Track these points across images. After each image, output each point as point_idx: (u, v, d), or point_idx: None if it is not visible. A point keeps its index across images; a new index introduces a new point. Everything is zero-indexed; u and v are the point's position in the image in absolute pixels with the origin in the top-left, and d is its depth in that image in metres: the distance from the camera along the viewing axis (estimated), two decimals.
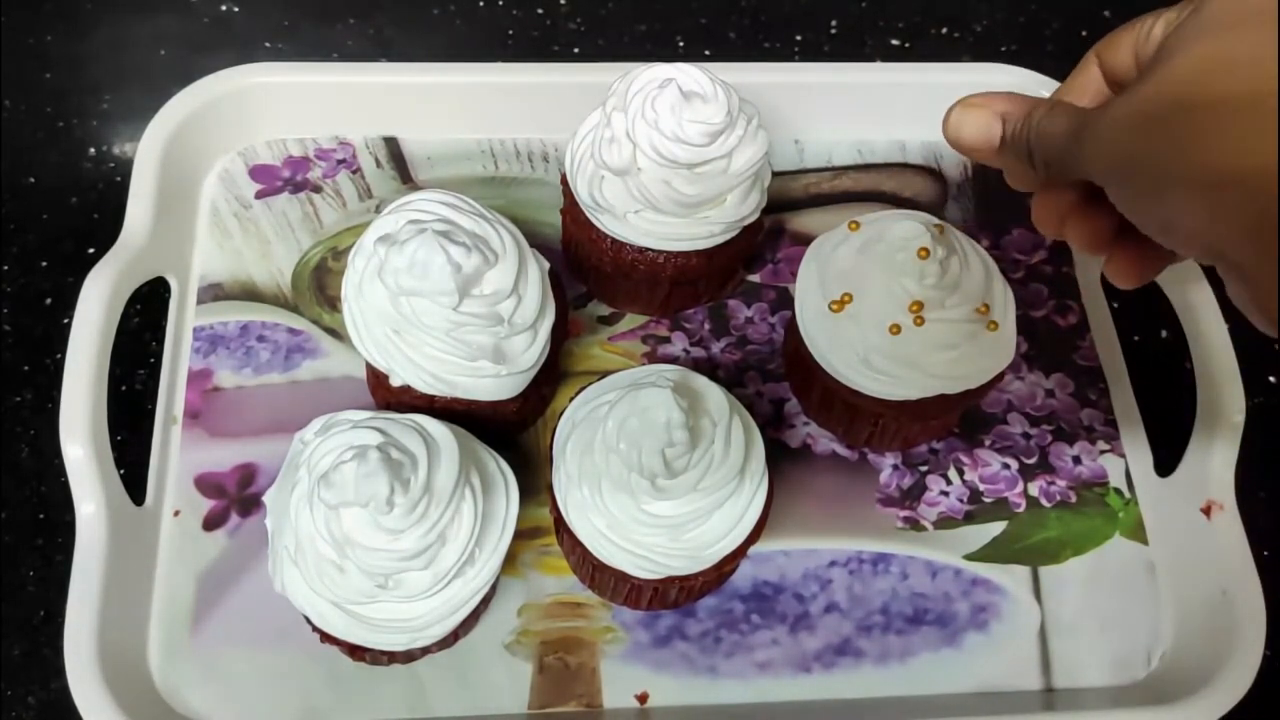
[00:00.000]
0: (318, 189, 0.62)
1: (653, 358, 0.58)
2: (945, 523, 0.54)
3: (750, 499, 0.46)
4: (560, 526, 0.48)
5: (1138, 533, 0.55)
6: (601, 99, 0.51)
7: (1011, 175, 0.41)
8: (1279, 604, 0.50)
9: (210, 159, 0.62)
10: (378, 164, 0.63)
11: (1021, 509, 0.55)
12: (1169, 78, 0.33)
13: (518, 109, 0.62)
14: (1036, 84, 0.63)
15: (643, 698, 0.50)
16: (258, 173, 0.62)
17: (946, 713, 0.49)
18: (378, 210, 0.60)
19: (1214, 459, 0.52)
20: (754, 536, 0.47)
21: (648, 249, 0.53)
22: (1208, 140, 0.31)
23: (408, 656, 0.49)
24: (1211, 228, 0.31)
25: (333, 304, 0.58)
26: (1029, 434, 0.57)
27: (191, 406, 0.55)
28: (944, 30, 0.73)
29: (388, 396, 0.50)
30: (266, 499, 0.46)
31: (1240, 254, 0.31)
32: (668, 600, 0.50)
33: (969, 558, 0.53)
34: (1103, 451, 0.56)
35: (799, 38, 0.72)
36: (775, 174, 0.58)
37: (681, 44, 0.71)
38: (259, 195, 0.61)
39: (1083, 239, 0.40)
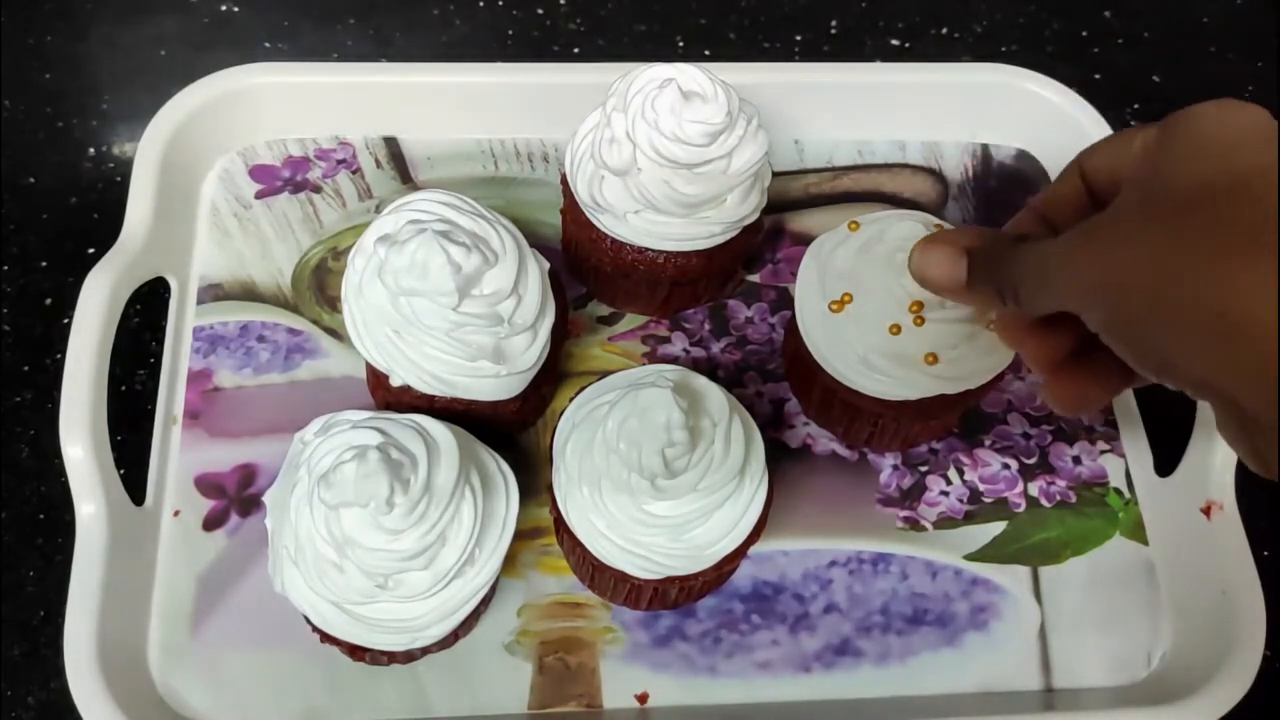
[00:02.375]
0: (318, 189, 0.62)
1: (653, 358, 0.58)
2: (945, 523, 0.54)
3: (750, 499, 0.46)
4: (560, 526, 0.48)
5: (1138, 533, 0.55)
6: (601, 99, 0.51)
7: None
8: (1279, 604, 0.50)
9: (210, 159, 0.62)
10: (378, 164, 0.63)
11: (1021, 509, 0.55)
12: (1160, 202, 0.31)
13: (518, 109, 0.62)
14: (1036, 84, 0.63)
15: (643, 698, 0.50)
16: (258, 173, 0.62)
17: (946, 713, 0.49)
18: (378, 210, 0.60)
19: (1214, 459, 0.52)
20: (754, 536, 0.47)
21: (648, 249, 0.53)
22: (1214, 275, 0.29)
23: (408, 656, 0.49)
24: (1216, 368, 0.29)
25: (333, 304, 0.58)
26: (1029, 434, 0.57)
27: (191, 406, 0.55)
28: (944, 30, 0.73)
29: (388, 396, 0.50)
30: (266, 499, 0.46)
31: (1248, 398, 0.29)
32: (668, 600, 0.50)
33: (969, 558, 0.53)
34: (1103, 451, 0.56)
35: (799, 38, 0.72)
36: (775, 174, 0.58)
37: (681, 44, 0.71)
38: (259, 195, 0.61)
39: (1036, 360, 0.39)
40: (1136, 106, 0.70)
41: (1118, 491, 0.56)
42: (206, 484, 0.53)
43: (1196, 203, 0.30)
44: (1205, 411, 0.53)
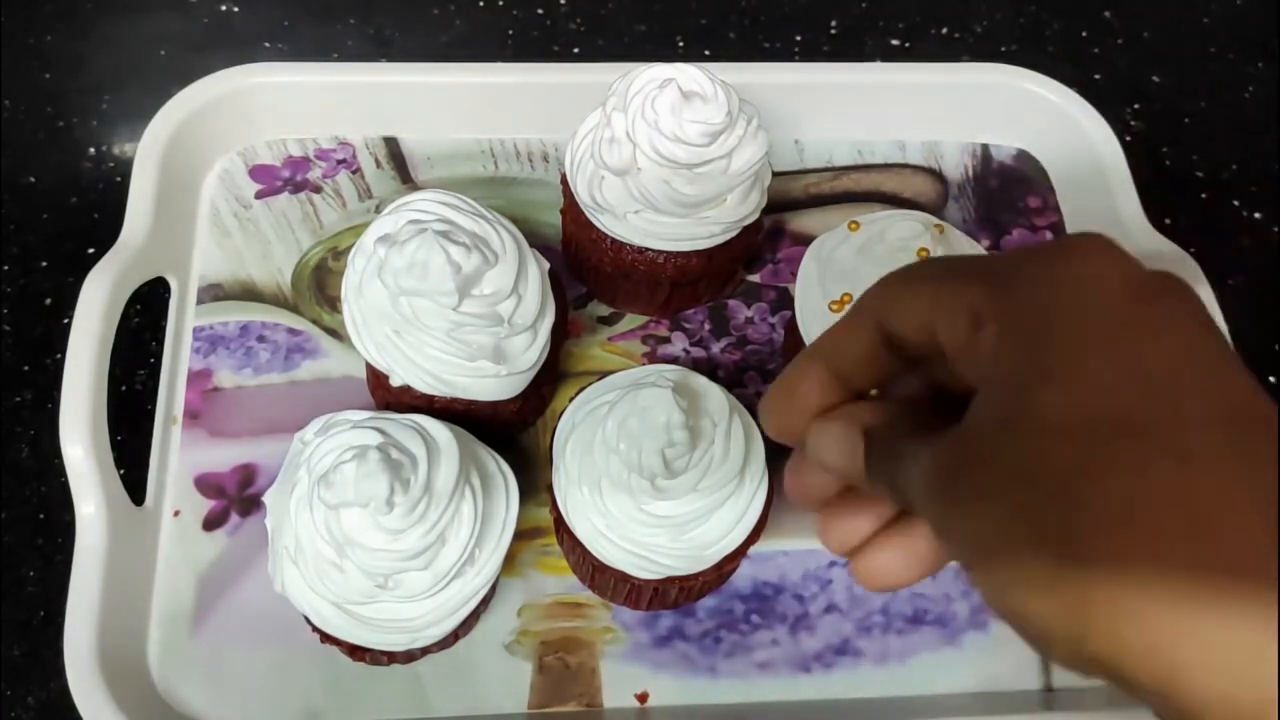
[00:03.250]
0: (318, 189, 0.62)
1: (653, 358, 0.58)
2: None
3: (750, 499, 0.46)
4: (560, 526, 0.48)
5: None
6: (601, 99, 0.51)
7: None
8: None
9: (210, 159, 0.62)
10: (378, 164, 0.63)
11: None
12: (1032, 455, 0.23)
13: (518, 109, 0.62)
14: (1036, 84, 0.63)
15: (643, 698, 0.50)
16: (258, 173, 0.62)
17: (946, 713, 0.49)
18: (378, 210, 0.60)
19: None
20: (754, 536, 0.47)
21: (648, 249, 0.53)
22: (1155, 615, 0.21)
23: (408, 656, 0.49)
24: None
25: (333, 304, 0.58)
26: None
27: (191, 406, 0.55)
28: (944, 30, 0.73)
29: (388, 396, 0.50)
30: (266, 499, 0.46)
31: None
32: (668, 600, 0.50)
33: None
34: None
35: (799, 38, 0.72)
36: (775, 174, 0.58)
37: (681, 44, 0.71)
38: (259, 195, 0.61)
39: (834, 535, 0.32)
40: (1136, 106, 0.70)
41: None
42: (206, 484, 0.53)
43: (1086, 471, 0.22)
44: None
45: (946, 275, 0.27)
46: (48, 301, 0.59)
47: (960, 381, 0.27)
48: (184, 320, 0.57)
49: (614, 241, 0.54)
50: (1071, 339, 0.24)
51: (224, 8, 0.71)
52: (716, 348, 0.58)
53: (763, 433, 0.47)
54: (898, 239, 0.49)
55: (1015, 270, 0.26)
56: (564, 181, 0.55)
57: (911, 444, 0.27)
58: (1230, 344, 0.25)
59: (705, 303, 0.59)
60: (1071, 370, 0.23)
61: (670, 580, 0.47)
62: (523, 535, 0.51)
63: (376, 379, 0.51)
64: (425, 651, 0.49)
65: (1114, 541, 0.21)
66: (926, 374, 0.30)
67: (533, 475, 0.53)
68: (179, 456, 0.54)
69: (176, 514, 0.52)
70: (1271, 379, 0.61)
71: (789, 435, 0.31)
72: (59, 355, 0.54)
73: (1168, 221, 0.64)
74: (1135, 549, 0.21)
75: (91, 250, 0.60)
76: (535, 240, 0.51)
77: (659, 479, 0.43)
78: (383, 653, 0.46)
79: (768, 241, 0.61)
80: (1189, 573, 0.21)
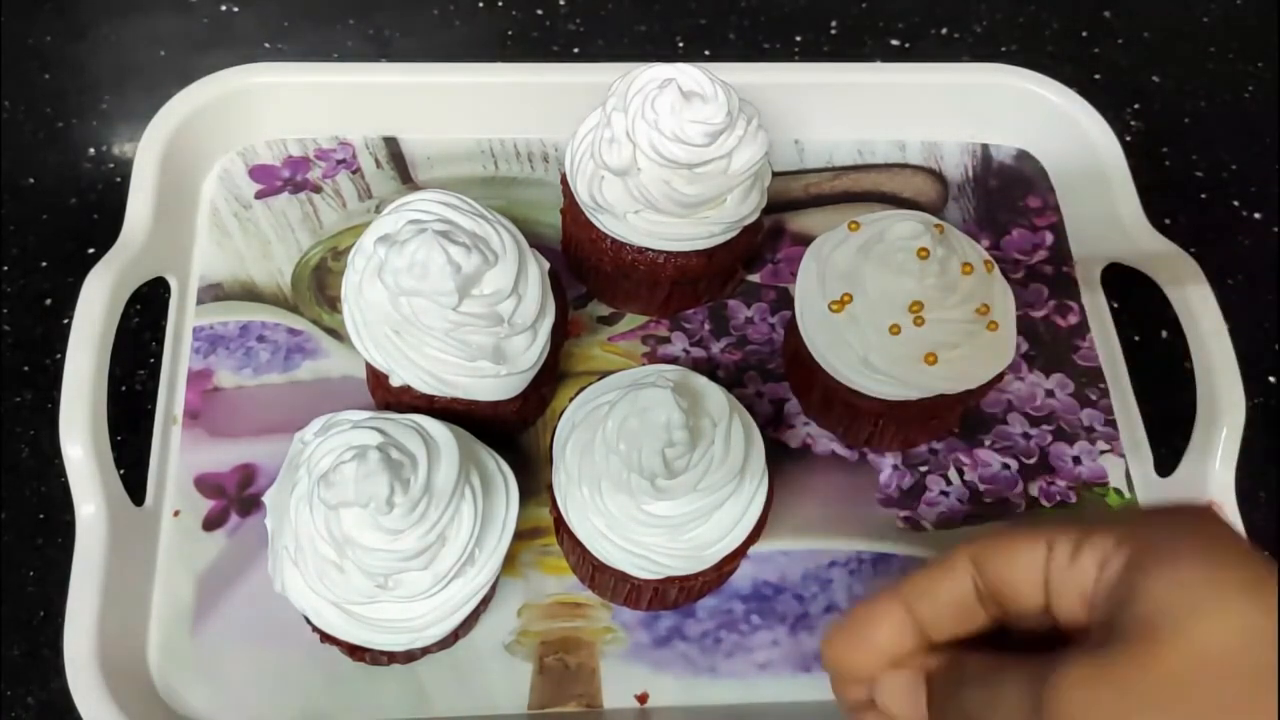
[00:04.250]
0: (318, 189, 0.62)
1: (653, 358, 0.58)
2: (945, 523, 0.54)
3: (750, 499, 0.46)
4: (560, 526, 0.48)
5: None
6: (601, 99, 0.51)
7: None
8: None
9: (210, 159, 0.62)
10: (377, 164, 0.63)
11: (1021, 509, 0.55)
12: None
13: (518, 109, 0.62)
14: (1036, 84, 0.63)
15: (643, 698, 0.50)
16: (258, 173, 0.62)
17: None
18: (378, 210, 0.60)
19: (1214, 459, 0.52)
20: (754, 536, 0.47)
21: (648, 249, 0.53)
22: None
23: (408, 656, 0.49)
24: None
25: (333, 304, 0.58)
26: (1029, 434, 0.57)
27: (191, 406, 0.55)
28: (944, 30, 0.73)
29: (388, 396, 0.50)
30: (266, 499, 0.46)
31: None
32: (668, 600, 0.50)
33: None
34: (1103, 452, 0.56)
35: (799, 38, 0.72)
36: (775, 174, 0.58)
37: (681, 44, 0.71)
38: (259, 195, 0.61)
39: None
40: (1136, 106, 0.70)
41: (1118, 491, 0.55)
42: (206, 484, 0.53)
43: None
44: (1205, 411, 0.53)
45: (1065, 525, 0.30)
46: (48, 301, 0.59)
47: (1040, 624, 0.30)
48: (184, 320, 0.57)
49: (614, 241, 0.54)
50: (1212, 583, 0.27)
51: (224, 8, 0.71)
52: (716, 348, 0.58)
53: (762, 430, 0.47)
54: (898, 239, 0.49)
55: (1134, 524, 0.29)
56: (564, 181, 0.55)
57: (1002, 683, 0.28)
58: None
59: (705, 303, 0.59)
60: (1218, 607, 0.26)
61: (670, 580, 0.46)
62: (523, 535, 0.51)
63: (376, 379, 0.51)
64: (425, 651, 0.49)
65: None
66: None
67: (533, 475, 0.53)
68: (179, 456, 0.54)
69: (176, 514, 0.52)
70: (1271, 379, 0.61)
71: (851, 672, 0.33)
72: (59, 355, 0.54)
73: (1168, 221, 0.64)
74: None
75: (91, 250, 0.60)
76: (535, 240, 0.51)
77: (659, 479, 0.43)
78: (383, 653, 0.46)
79: (768, 241, 0.61)
80: None
